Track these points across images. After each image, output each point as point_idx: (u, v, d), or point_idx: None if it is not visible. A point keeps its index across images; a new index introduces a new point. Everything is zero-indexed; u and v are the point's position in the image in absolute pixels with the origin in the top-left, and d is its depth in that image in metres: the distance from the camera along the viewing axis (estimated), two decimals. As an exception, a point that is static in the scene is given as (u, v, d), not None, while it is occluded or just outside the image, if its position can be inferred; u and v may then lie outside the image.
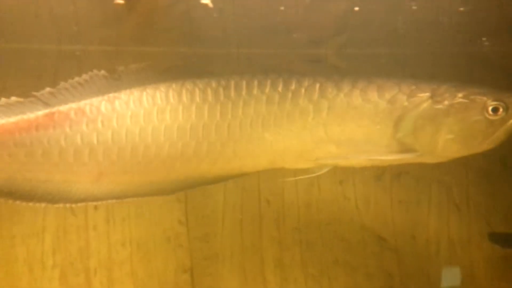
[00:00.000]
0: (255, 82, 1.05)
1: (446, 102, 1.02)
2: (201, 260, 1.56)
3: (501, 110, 1.00)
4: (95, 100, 1.00)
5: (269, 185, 1.58)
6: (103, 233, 1.51)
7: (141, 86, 1.02)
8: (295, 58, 1.48)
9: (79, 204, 1.04)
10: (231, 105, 1.03)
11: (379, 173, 1.60)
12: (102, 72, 1.03)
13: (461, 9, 1.31)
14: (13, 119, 0.96)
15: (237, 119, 1.03)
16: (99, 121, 0.99)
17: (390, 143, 1.05)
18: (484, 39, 1.38)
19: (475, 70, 1.48)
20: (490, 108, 1.00)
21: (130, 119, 1.00)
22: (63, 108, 0.98)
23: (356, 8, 1.33)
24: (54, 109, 0.97)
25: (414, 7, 1.33)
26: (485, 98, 1.01)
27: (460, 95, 1.03)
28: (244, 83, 1.04)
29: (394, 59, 1.46)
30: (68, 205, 1.03)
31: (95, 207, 1.50)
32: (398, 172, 1.59)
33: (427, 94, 1.03)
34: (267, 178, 1.57)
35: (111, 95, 1.01)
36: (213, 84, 1.04)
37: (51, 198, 1.02)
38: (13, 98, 1.00)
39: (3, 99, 0.99)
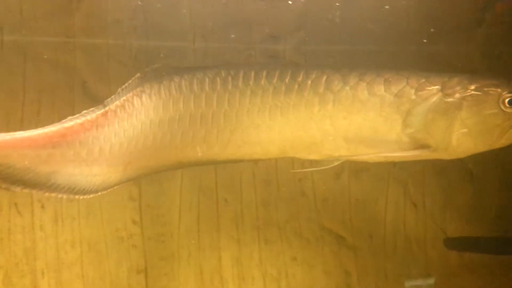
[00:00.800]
0: (264, 73, 1.06)
1: (457, 95, 0.99)
2: (156, 260, 1.52)
3: None
4: (129, 96, 1.07)
5: (226, 183, 1.55)
6: (51, 233, 1.44)
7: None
8: (253, 53, 1.45)
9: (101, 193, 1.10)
10: (238, 94, 1.06)
11: (338, 171, 1.59)
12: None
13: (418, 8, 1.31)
14: (80, 120, 1.03)
15: (245, 107, 1.07)
16: (134, 115, 1.07)
17: (400, 138, 1.02)
18: (439, 37, 1.39)
19: (431, 69, 1.49)
20: (506, 100, 0.96)
21: (152, 110, 1.08)
22: (112, 106, 1.06)
23: (315, 4, 1.32)
24: (107, 108, 1.06)
25: (387, 7, 1.32)
26: (499, 90, 0.97)
27: (472, 87, 0.99)
28: (252, 73, 1.07)
29: (351, 56, 1.45)
30: (92, 195, 1.09)
31: (42, 206, 1.43)
32: (356, 170, 1.59)
33: (437, 87, 1.00)
34: (225, 177, 1.54)
35: (138, 89, 1.08)
36: (223, 73, 1.07)
37: (88, 191, 1.09)
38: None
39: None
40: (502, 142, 1.00)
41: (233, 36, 1.41)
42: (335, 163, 1.10)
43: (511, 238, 1.56)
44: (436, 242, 1.59)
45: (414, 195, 1.60)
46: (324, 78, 1.04)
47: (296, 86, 1.05)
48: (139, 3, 1.29)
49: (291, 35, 1.43)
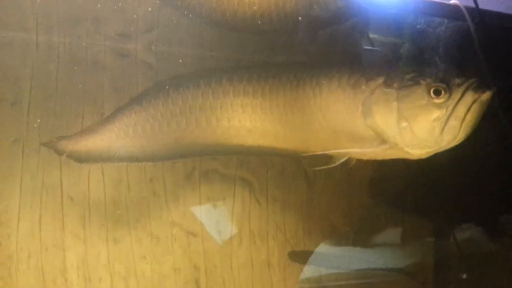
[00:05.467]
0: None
1: (395, 85, 0.95)
2: (-11, 264, 1.42)
3: (443, 92, 0.91)
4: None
5: (72, 181, 1.51)
6: None
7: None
8: (103, 50, 1.45)
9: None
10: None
11: (189, 170, 1.66)
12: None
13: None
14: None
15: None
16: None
17: (366, 133, 0.99)
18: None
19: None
20: (432, 90, 0.92)
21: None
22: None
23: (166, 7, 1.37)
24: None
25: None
26: (428, 80, 0.93)
27: (408, 76, 0.96)
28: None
29: (201, 60, 1.54)
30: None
31: None
32: (206, 170, 1.68)
33: (382, 77, 0.97)
34: (71, 174, 1.50)
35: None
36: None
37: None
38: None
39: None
40: (448, 139, 0.95)
41: (80, 32, 1.40)
42: (337, 163, 1.09)
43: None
44: (276, 235, 1.74)
45: (258, 194, 1.74)
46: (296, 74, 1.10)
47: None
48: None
49: (143, 34, 1.47)
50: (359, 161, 1.11)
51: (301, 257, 1.75)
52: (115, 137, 1.26)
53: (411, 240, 1.89)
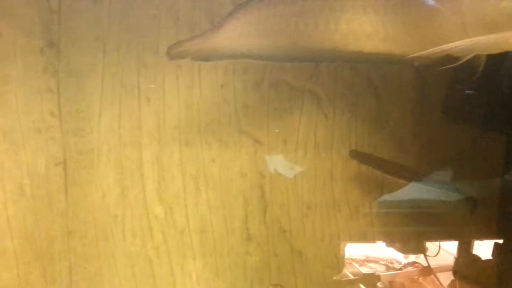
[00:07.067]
0: None
1: None
2: (75, 154, 1.53)
3: None
4: None
5: (150, 83, 1.57)
6: (-38, 119, 1.39)
7: None
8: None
9: None
10: None
11: (259, 79, 1.67)
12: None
13: None
14: None
15: None
16: None
17: (499, 18, 0.91)
18: None
19: None
20: None
21: None
22: None
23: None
24: None
25: None
26: None
27: None
28: None
29: None
30: None
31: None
32: (275, 80, 1.68)
33: None
34: (148, 76, 1.56)
35: None
36: None
37: None
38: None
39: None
40: None
41: None
42: None
43: (404, 165, 1.77)
44: (341, 149, 1.76)
45: (325, 107, 1.74)
46: None
47: None
48: None
49: None
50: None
51: (361, 157, 1.76)
52: (238, 35, 1.27)
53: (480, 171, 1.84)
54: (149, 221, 1.62)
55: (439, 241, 1.94)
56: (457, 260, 1.93)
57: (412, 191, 1.75)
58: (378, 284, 1.81)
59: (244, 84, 1.66)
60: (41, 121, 1.48)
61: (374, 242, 1.87)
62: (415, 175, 1.70)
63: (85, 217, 1.56)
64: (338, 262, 1.80)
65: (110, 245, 1.59)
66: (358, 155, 1.75)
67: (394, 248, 1.88)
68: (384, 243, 1.91)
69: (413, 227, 1.81)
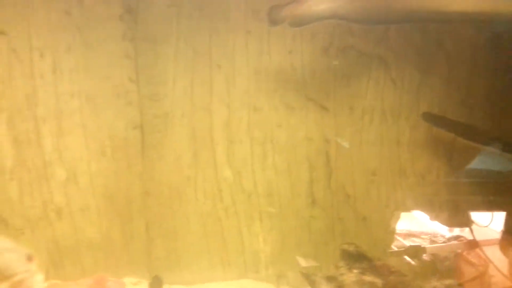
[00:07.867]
0: None
1: None
2: (151, 117, 1.60)
3: None
4: None
5: (221, 49, 1.60)
6: (50, 82, 1.48)
7: None
8: None
9: None
10: None
11: (326, 45, 1.67)
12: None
13: None
14: None
15: None
16: None
17: None
18: None
19: None
20: None
21: None
22: None
23: None
24: None
25: None
26: None
27: None
28: None
29: None
30: None
31: (41, 55, 1.45)
32: (343, 46, 1.67)
33: None
34: (219, 43, 1.59)
35: None
36: None
37: None
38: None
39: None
40: None
41: None
42: None
43: (476, 127, 1.72)
44: (409, 116, 1.74)
45: (394, 73, 1.71)
46: None
47: None
48: None
49: None
50: None
51: (434, 119, 1.72)
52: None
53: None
54: (218, 184, 1.69)
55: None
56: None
57: (484, 160, 1.72)
58: (423, 256, 1.80)
59: (312, 50, 1.66)
60: (121, 86, 1.55)
61: (440, 212, 1.85)
62: (488, 139, 1.65)
63: (160, 178, 1.64)
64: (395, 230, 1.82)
65: (184, 205, 1.67)
66: (431, 117, 1.71)
67: (439, 221, 1.86)
68: (428, 217, 1.90)
69: (482, 196, 1.77)
